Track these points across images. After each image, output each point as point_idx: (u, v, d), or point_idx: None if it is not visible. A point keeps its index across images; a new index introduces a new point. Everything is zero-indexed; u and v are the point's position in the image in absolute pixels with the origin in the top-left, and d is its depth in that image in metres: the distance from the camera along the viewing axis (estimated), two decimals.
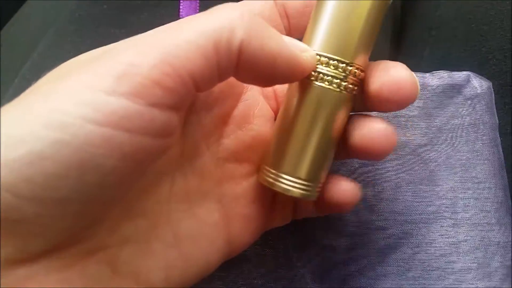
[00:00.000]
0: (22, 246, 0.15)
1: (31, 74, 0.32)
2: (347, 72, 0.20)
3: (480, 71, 0.31)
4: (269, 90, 0.24)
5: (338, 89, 0.20)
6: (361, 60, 0.20)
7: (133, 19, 0.34)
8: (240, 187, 0.22)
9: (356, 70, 0.20)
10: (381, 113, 0.27)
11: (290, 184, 0.21)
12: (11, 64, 0.34)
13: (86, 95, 0.14)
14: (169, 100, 0.16)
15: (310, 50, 0.19)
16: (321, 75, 0.20)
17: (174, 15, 0.34)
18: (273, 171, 0.21)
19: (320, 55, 0.20)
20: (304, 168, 0.21)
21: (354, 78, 0.20)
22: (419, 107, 0.28)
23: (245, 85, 0.22)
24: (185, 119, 0.20)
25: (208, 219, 0.21)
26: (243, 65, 0.17)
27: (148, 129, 0.15)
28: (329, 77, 0.20)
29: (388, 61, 0.20)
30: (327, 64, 0.20)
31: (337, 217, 0.26)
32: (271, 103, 0.23)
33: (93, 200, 0.15)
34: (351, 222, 0.26)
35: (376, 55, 0.38)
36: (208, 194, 0.21)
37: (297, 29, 0.22)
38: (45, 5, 0.37)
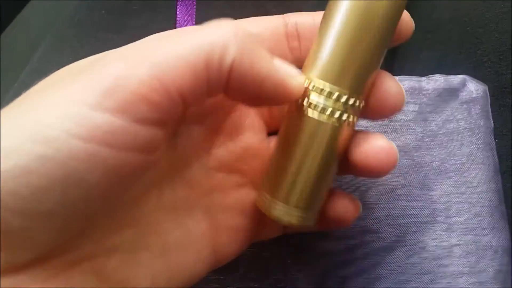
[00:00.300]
0: (7, 258, 0.15)
1: (31, 79, 0.32)
2: (348, 105, 0.19)
3: (476, 74, 0.31)
4: None
5: (337, 123, 0.19)
6: (365, 89, 0.19)
7: (131, 23, 0.35)
8: (229, 198, 0.22)
9: (357, 102, 0.19)
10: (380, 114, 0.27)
11: (285, 212, 0.20)
12: (11, 68, 0.35)
13: (71, 109, 0.14)
14: (155, 116, 0.16)
15: (299, 76, 0.18)
16: (320, 107, 0.19)
17: (172, 20, 0.34)
18: (269, 197, 0.20)
19: (319, 86, 0.19)
20: (300, 197, 0.20)
21: (354, 110, 0.19)
22: (414, 111, 0.28)
23: None
24: (175, 131, 0.20)
25: (196, 229, 0.21)
26: (232, 83, 0.17)
27: (132, 145, 0.15)
28: (329, 110, 0.19)
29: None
30: (328, 96, 0.19)
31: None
32: (264, 114, 0.23)
33: (77, 213, 0.15)
34: (345, 228, 0.26)
35: None
36: (197, 205, 0.21)
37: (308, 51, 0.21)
38: (44, 10, 0.37)
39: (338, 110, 0.19)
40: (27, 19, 0.38)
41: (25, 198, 0.14)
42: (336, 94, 0.18)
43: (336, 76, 0.19)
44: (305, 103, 0.19)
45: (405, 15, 0.19)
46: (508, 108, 0.31)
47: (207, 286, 0.25)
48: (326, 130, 0.19)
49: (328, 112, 0.19)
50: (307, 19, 0.21)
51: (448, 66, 0.33)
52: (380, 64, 0.19)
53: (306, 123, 0.19)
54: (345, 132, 0.19)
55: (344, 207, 0.21)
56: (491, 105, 0.30)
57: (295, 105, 0.20)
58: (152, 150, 0.16)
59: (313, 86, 0.19)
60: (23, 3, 0.38)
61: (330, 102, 0.19)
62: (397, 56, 0.40)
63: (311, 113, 0.19)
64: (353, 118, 0.19)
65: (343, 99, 0.19)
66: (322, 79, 0.19)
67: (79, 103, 0.14)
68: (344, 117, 0.19)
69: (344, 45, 0.18)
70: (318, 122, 0.19)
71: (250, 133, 0.22)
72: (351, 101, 0.19)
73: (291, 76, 0.18)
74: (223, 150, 0.22)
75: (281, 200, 0.20)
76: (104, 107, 0.14)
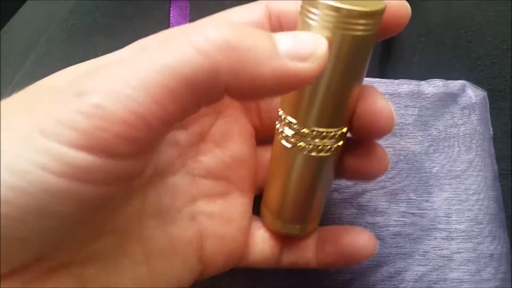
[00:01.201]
0: None
1: (25, 82, 0.32)
2: (338, 137, 0.19)
3: (469, 77, 0.31)
4: (252, 104, 0.22)
5: (328, 153, 0.19)
6: (340, 119, 0.19)
7: (125, 27, 0.34)
8: (216, 205, 0.21)
9: (345, 130, 0.19)
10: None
11: (282, 226, 0.22)
12: (4, 72, 0.34)
13: (45, 143, 0.14)
14: (134, 149, 0.15)
15: (314, 54, 0.16)
16: (290, 140, 0.19)
17: (165, 24, 0.34)
18: (267, 213, 0.22)
19: (290, 120, 0.19)
20: (292, 215, 0.22)
21: (343, 137, 0.20)
22: (414, 115, 0.28)
23: (226, 102, 0.20)
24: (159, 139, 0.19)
25: (181, 237, 0.20)
26: (230, 94, 0.16)
27: (109, 179, 0.15)
28: (300, 143, 0.19)
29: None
30: (321, 138, 0.19)
31: None
32: (253, 119, 0.23)
33: (53, 239, 0.15)
34: None
35: None
36: (182, 211, 0.20)
37: None
38: (37, 14, 0.37)
39: (335, 143, 0.19)
40: (20, 23, 0.38)
41: (1, 225, 0.13)
42: (334, 133, 0.19)
43: (303, 115, 0.19)
44: (280, 133, 0.20)
45: (401, 3, 0.19)
46: (502, 111, 0.31)
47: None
48: (302, 160, 0.20)
49: (299, 145, 0.19)
50: (289, 8, 0.20)
51: (441, 70, 0.33)
52: (354, 91, 0.19)
53: (284, 152, 0.20)
54: (322, 159, 0.20)
55: (363, 243, 0.22)
56: None
57: (276, 131, 0.20)
58: (132, 179, 0.16)
59: (285, 119, 0.19)
60: (16, 7, 0.38)
61: (298, 137, 0.19)
62: (390, 59, 0.40)
63: (285, 144, 0.20)
64: (332, 146, 0.19)
65: (338, 134, 0.19)
66: (291, 116, 0.19)
67: (53, 137, 0.14)
68: (339, 145, 0.19)
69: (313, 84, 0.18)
70: (292, 152, 0.20)
71: (239, 141, 0.22)
72: (344, 131, 0.19)
73: (304, 59, 0.16)
74: (210, 158, 0.21)
75: (277, 217, 0.22)
76: (79, 145, 0.14)
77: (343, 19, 0.16)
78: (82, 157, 0.14)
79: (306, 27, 0.17)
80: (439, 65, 0.34)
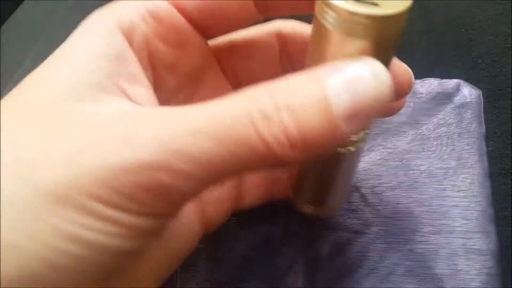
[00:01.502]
0: None
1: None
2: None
3: (470, 76, 0.31)
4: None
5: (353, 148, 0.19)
6: None
7: None
8: None
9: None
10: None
11: (310, 209, 0.24)
12: (4, 70, 0.34)
13: (67, 227, 0.13)
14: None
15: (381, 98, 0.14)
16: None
17: None
18: (296, 196, 0.24)
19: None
20: (316, 199, 0.23)
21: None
22: (407, 114, 0.28)
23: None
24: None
25: (187, 210, 0.21)
26: None
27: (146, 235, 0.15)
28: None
29: None
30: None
31: (318, 223, 0.26)
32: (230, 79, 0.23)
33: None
34: (336, 225, 0.26)
35: None
36: None
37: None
38: (36, 12, 0.37)
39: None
40: (20, 20, 0.38)
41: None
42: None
43: None
44: None
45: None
46: (502, 110, 0.31)
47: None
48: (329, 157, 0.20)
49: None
50: (298, 32, 0.21)
51: (442, 68, 0.33)
52: None
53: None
54: (346, 156, 0.20)
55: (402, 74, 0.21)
56: (485, 107, 0.30)
57: None
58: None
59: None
60: (16, 4, 0.38)
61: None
62: None
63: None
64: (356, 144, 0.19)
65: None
66: None
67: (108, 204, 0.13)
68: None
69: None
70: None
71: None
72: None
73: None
74: None
75: (305, 201, 0.24)
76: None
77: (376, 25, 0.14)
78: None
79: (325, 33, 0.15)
80: (440, 63, 0.34)
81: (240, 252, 0.26)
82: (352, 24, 0.14)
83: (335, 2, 0.14)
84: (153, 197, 0.14)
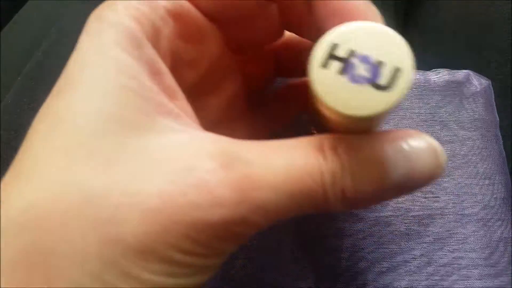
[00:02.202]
0: None
1: (35, 72, 0.32)
2: None
3: (481, 74, 0.31)
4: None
5: None
6: None
7: None
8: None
9: None
10: None
11: None
12: (6, 73, 0.34)
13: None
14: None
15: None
16: None
17: None
18: None
19: None
20: None
21: None
22: (420, 102, 0.28)
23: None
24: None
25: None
26: None
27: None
28: None
29: None
30: None
31: (341, 217, 0.26)
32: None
33: None
34: (357, 219, 0.26)
35: None
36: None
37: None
38: (47, 4, 0.37)
39: None
40: (30, 13, 0.38)
41: None
42: None
43: None
44: None
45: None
46: None
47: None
48: None
49: None
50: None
51: (454, 67, 0.33)
52: None
53: None
54: None
55: None
56: (498, 105, 0.29)
57: None
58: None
59: None
60: (18, 7, 0.38)
61: None
62: None
63: None
64: None
65: None
66: None
67: None
68: None
69: None
70: None
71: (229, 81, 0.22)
72: None
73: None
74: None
75: None
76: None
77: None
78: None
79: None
80: (452, 61, 0.33)
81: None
82: (346, 118, 0.14)
83: (326, 101, 0.14)
84: (225, 244, 0.15)
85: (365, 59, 0.14)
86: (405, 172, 0.15)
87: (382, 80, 0.14)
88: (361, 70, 0.14)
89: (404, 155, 0.15)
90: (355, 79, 0.14)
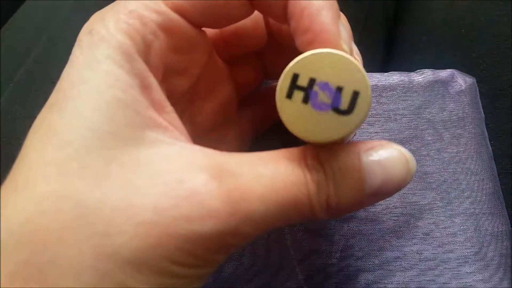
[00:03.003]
0: None
1: (26, 80, 0.32)
2: None
3: (470, 75, 0.31)
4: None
5: None
6: None
7: None
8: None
9: None
10: (371, 109, 0.27)
11: None
12: (5, 70, 0.34)
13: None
14: None
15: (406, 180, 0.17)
16: None
17: None
18: None
19: None
20: None
21: None
22: (406, 102, 0.28)
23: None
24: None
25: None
26: None
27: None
28: None
29: None
30: None
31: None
32: (221, 52, 0.22)
33: None
34: (347, 218, 0.26)
35: (369, 61, 0.38)
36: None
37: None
38: (38, 12, 0.37)
39: None
40: (21, 21, 0.38)
41: None
42: None
43: None
44: None
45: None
46: (503, 110, 0.31)
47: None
48: None
49: None
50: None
51: (442, 68, 0.34)
52: None
53: None
54: None
55: None
56: (486, 106, 0.30)
57: None
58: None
59: None
60: (17, 4, 0.38)
61: None
62: (392, 58, 0.40)
63: None
64: None
65: None
66: None
67: None
68: None
69: None
70: None
71: (223, 84, 0.22)
72: None
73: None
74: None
75: None
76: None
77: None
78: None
79: None
80: (441, 63, 0.34)
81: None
82: (315, 142, 0.16)
83: (293, 131, 0.15)
84: (218, 254, 0.15)
85: (325, 86, 0.15)
86: (382, 179, 0.16)
87: (343, 104, 0.15)
88: (323, 97, 0.15)
89: (379, 164, 0.16)
90: (318, 106, 0.15)
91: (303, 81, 0.15)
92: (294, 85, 0.15)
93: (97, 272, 0.13)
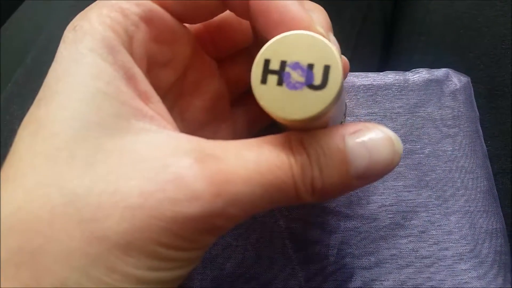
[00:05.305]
0: None
1: (24, 80, 0.32)
2: None
3: (468, 76, 0.31)
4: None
5: None
6: None
7: None
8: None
9: None
10: (367, 107, 0.27)
11: None
12: (4, 69, 0.34)
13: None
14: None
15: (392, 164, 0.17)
16: None
17: None
18: None
19: None
20: None
21: None
22: (400, 102, 0.28)
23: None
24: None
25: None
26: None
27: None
28: None
29: None
30: None
31: (328, 215, 0.26)
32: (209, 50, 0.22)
33: None
34: (343, 217, 0.26)
35: (366, 61, 0.38)
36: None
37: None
38: (37, 12, 0.37)
39: None
40: (21, 20, 0.38)
41: None
42: None
43: None
44: None
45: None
46: (500, 111, 0.31)
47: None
48: None
49: None
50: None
51: (440, 68, 0.34)
52: None
53: None
54: None
55: None
56: (483, 107, 0.30)
57: None
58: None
59: None
60: (16, 4, 0.38)
61: None
62: (390, 58, 0.40)
63: None
64: None
65: None
66: None
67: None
68: None
69: None
70: None
71: (211, 80, 0.22)
72: None
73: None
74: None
75: None
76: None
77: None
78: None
79: None
80: (439, 64, 0.34)
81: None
82: (297, 123, 0.16)
83: (272, 113, 0.16)
84: (205, 237, 0.15)
85: (296, 66, 0.15)
86: (367, 161, 0.16)
87: (316, 80, 0.15)
88: (296, 76, 0.15)
89: (364, 146, 0.16)
90: (293, 86, 0.15)
91: (274, 65, 0.15)
92: (267, 70, 0.15)
93: (87, 256, 0.13)
